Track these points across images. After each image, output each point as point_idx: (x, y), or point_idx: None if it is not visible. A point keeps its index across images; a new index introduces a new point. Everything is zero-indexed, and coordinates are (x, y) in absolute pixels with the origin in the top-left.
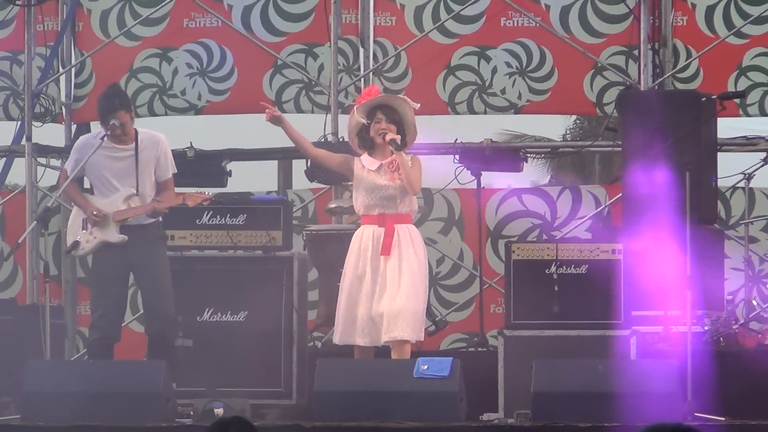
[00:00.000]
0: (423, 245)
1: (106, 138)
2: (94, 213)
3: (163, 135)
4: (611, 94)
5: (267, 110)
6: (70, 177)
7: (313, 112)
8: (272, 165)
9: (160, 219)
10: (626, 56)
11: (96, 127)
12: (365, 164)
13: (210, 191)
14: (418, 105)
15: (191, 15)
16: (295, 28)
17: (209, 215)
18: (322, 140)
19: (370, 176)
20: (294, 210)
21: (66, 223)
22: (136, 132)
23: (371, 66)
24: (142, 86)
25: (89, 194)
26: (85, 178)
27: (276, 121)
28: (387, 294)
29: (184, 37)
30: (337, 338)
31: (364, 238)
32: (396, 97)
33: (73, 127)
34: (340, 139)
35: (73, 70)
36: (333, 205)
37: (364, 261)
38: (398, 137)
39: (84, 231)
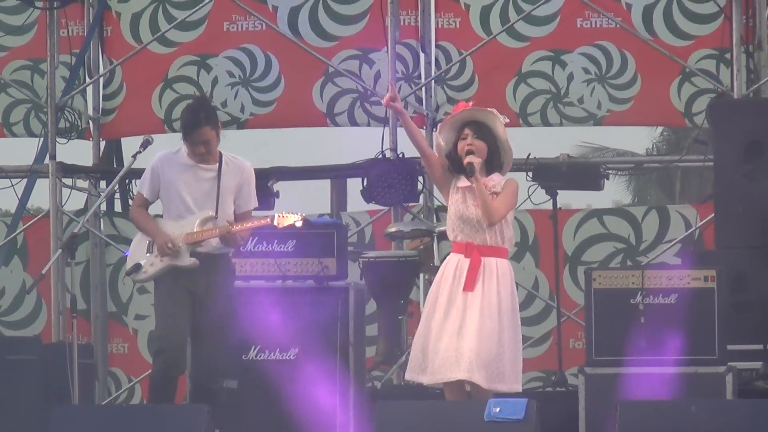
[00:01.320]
0: (511, 283)
1: (187, 155)
2: (169, 246)
3: (249, 163)
4: (701, 103)
5: (390, 91)
6: (149, 200)
7: (369, 125)
8: (324, 185)
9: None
10: (717, 60)
11: (167, 144)
12: (459, 185)
13: (302, 212)
14: (507, 120)
15: (232, 18)
16: (348, 31)
17: (254, 241)
18: (380, 156)
19: (459, 199)
20: (349, 235)
21: (97, 251)
22: (221, 154)
23: (433, 73)
24: (179, 97)
25: (159, 217)
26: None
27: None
28: (464, 331)
29: (224, 43)
30: (406, 374)
31: (448, 266)
32: (482, 111)
33: (102, 144)
34: (400, 155)
35: (101, 80)
36: (393, 229)
37: (442, 292)
38: (478, 161)
39: (149, 254)
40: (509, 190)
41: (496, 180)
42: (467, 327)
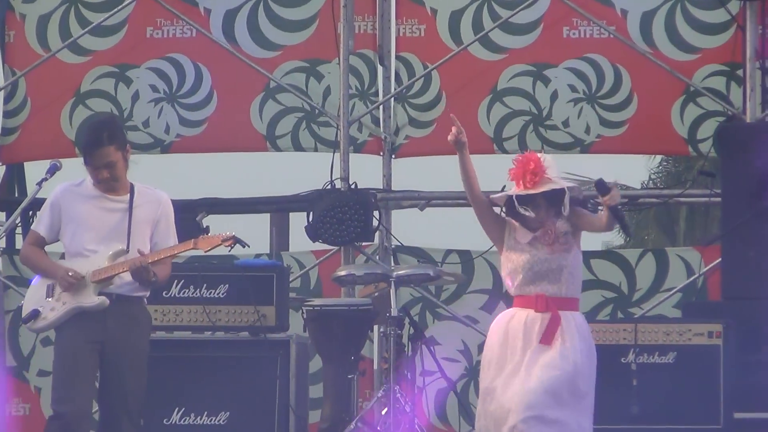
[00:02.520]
0: (591, 339)
1: (93, 185)
2: (70, 273)
3: (166, 194)
4: (708, 128)
5: (454, 126)
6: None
7: (316, 149)
8: (263, 219)
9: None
10: (728, 77)
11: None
12: (518, 235)
13: (230, 231)
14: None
15: (157, 22)
16: (294, 39)
17: (179, 286)
18: (328, 187)
19: (524, 247)
20: (291, 279)
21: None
22: (132, 184)
23: (393, 89)
24: (93, 116)
25: (60, 260)
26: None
27: (460, 145)
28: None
29: (147, 52)
30: None
31: (513, 322)
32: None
33: (2, 169)
34: (352, 185)
35: (1, 93)
36: (343, 273)
37: (512, 352)
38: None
39: (49, 299)
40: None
41: (560, 225)
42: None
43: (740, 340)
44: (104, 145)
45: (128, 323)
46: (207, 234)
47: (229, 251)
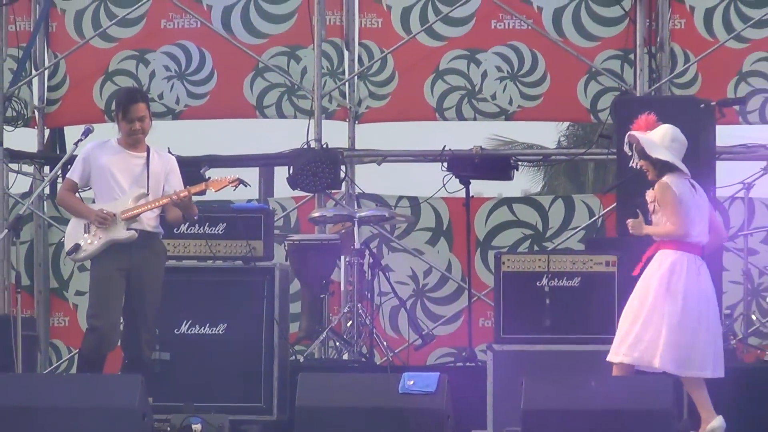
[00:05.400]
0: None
1: (118, 143)
2: (104, 211)
3: (173, 156)
4: (606, 100)
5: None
6: (79, 185)
7: (296, 117)
8: (253, 172)
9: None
10: (622, 60)
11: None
12: None
13: (235, 175)
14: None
15: (169, 16)
16: (277, 29)
17: (187, 225)
18: (305, 146)
19: None
20: (275, 219)
21: (40, 231)
22: (148, 146)
23: (356, 69)
24: (118, 90)
25: (92, 203)
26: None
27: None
28: None
29: (161, 39)
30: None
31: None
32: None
33: (47, 132)
34: (324, 145)
35: (46, 72)
36: (316, 214)
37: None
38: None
39: (86, 234)
40: (663, 200)
41: (650, 194)
42: None
43: (629, 267)
44: (138, 101)
45: (149, 254)
46: (212, 179)
47: (234, 190)
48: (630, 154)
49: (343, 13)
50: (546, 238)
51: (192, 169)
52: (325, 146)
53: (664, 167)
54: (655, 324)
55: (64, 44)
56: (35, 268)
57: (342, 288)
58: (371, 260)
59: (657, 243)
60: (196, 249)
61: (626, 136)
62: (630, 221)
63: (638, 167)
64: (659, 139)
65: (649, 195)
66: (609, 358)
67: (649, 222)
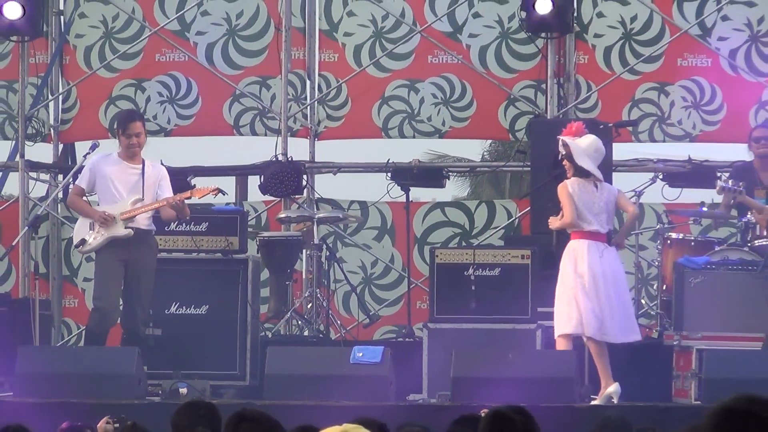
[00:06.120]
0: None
1: (118, 156)
2: (106, 212)
3: (164, 167)
4: (522, 122)
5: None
6: (85, 190)
7: (266, 135)
8: (230, 180)
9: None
10: (535, 89)
11: (110, 147)
12: None
13: (215, 185)
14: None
15: (162, 51)
16: (251, 62)
17: (176, 223)
18: (274, 159)
19: None
20: (249, 219)
21: (55, 228)
22: (143, 159)
23: (316, 96)
24: (120, 111)
25: (96, 205)
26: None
27: None
28: None
29: (155, 70)
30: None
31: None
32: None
33: (60, 147)
34: (289, 159)
35: (60, 97)
36: (282, 215)
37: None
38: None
39: (91, 231)
40: (560, 198)
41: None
42: None
43: (541, 260)
44: (136, 120)
45: (144, 248)
46: (197, 187)
47: (214, 198)
48: (559, 152)
49: (305, 49)
50: (472, 235)
51: (180, 177)
52: (290, 159)
53: (581, 171)
54: (575, 300)
55: (75, 74)
56: (50, 258)
57: (303, 276)
58: (328, 253)
59: (571, 234)
60: (183, 243)
61: (559, 139)
62: (550, 218)
63: (561, 160)
64: (585, 147)
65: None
66: (556, 335)
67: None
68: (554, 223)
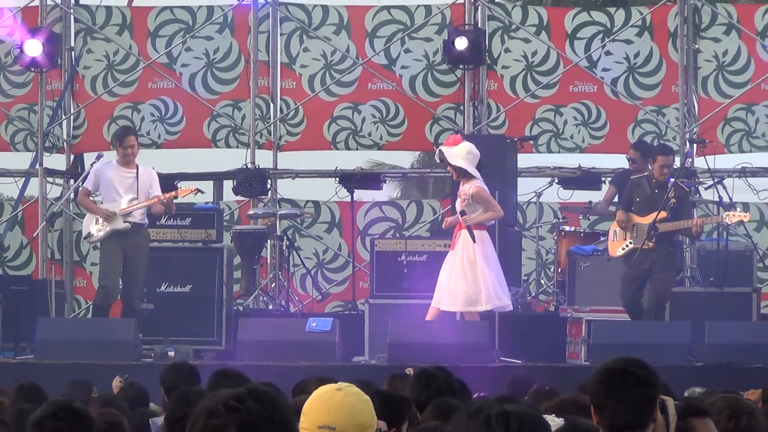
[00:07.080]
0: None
1: (117, 163)
2: (108, 209)
3: (154, 170)
4: (444, 137)
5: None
6: (91, 191)
7: (237, 147)
8: (209, 184)
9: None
10: (455, 110)
11: (112, 157)
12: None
13: (195, 186)
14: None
15: (154, 79)
16: (226, 89)
17: (165, 218)
18: (244, 167)
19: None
20: (224, 215)
21: (68, 223)
22: (137, 165)
23: (278, 116)
24: (118, 128)
25: (100, 204)
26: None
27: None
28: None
29: (149, 95)
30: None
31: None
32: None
33: (71, 157)
34: (257, 166)
35: (71, 117)
36: (251, 212)
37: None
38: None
39: (96, 225)
40: (483, 198)
41: (462, 192)
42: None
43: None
44: (130, 135)
45: (139, 238)
46: (181, 188)
47: (195, 197)
48: (439, 161)
49: (269, 78)
50: (404, 228)
51: (168, 181)
52: (257, 167)
53: (461, 172)
54: (481, 278)
55: (83, 98)
56: (64, 247)
57: (268, 261)
58: (288, 243)
59: (459, 225)
60: (171, 235)
61: (437, 150)
62: (465, 216)
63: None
64: (459, 151)
65: (462, 193)
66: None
67: (462, 211)
68: (472, 218)
